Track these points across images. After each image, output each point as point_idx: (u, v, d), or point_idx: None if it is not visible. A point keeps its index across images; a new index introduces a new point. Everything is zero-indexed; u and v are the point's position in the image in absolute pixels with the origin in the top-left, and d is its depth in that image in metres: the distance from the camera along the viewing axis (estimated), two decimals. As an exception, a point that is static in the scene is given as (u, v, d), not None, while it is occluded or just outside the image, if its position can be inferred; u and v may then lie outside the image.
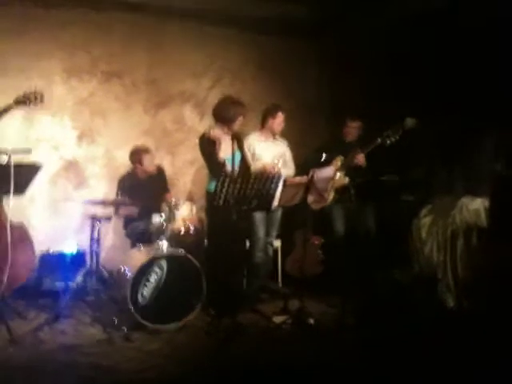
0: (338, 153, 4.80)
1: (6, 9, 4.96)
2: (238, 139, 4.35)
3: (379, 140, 4.50)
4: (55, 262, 4.74)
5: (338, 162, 4.76)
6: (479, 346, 3.27)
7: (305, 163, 4.88)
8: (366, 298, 4.36)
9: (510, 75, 4.10)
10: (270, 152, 4.78)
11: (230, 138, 4.29)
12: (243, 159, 4.53)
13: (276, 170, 4.48)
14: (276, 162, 4.59)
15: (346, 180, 4.67)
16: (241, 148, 4.53)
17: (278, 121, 4.79)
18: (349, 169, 4.69)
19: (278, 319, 4.18)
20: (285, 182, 4.18)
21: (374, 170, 4.66)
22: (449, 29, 4.63)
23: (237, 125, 4.46)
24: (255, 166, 4.65)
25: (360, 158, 4.64)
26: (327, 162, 4.69)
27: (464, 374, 3.04)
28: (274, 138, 4.88)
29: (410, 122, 4.45)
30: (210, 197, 4.28)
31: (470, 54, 4.44)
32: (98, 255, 4.15)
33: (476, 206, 4.04)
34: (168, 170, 5.29)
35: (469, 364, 3.14)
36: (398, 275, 4.42)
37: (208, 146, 4.44)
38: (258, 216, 4.62)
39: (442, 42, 4.68)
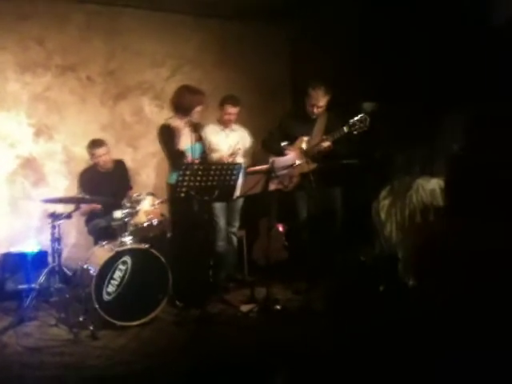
0: (301, 131, 4.67)
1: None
2: (196, 129, 4.33)
3: (345, 129, 4.36)
4: (16, 263, 4.66)
5: (303, 143, 4.62)
6: (439, 325, 3.36)
7: (265, 142, 4.86)
8: (331, 282, 4.42)
9: (467, 58, 4.17)
10: (226, 142, 4.77)
11: (189, 128, 4.26)
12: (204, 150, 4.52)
13: (232, 159, 4.47)
14: (234, 150, 4.57)
15: (311, 167, 4.53)
16: (201, 139, 4.51)
17: (226, 112, 4.73)
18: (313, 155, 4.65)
19: (245, 308, 4.21)
20: (245, 170, 4.18)
21: (335, 154, 4.66)
22: (411, 14, 4.65)
23: (196, 114, 4.43)
24: (212, 157, 4.64)
25: (326, 146, 4.49)
26: (290, 141, 4.63)
27: (426, 355, 3.11)
28: (231, 128, 4.86)
29: (367, 105, 4.48)
30: (171, 189, 4.26)
31: (429, 37, 4.49)
32: (59, 254, 4.09)
33: (432, 186, 4.13)
34: (129, 163, 5.22)
35: (432, 344, 3.22)
36: (363, 256, 4.50)
37: (167, 137, 4.42)
38: (218, 206, 4.62)
39: (402, 26, 4.71)
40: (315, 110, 4.63)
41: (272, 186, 4.27)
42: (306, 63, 5.82)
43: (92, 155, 4.78)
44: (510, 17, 3.96)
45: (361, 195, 4.67)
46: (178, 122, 4.38)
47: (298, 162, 4.29)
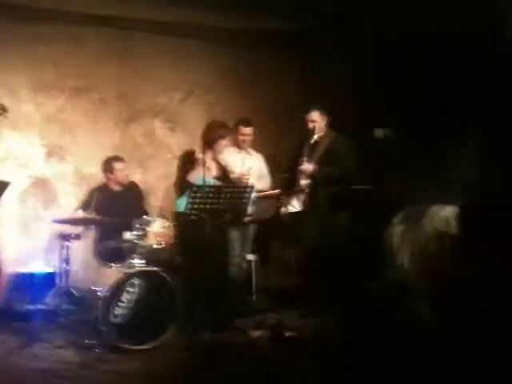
0: (306, 154, 4.76)
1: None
2: (220, 167, 4.47)
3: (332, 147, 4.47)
4: (25, 284, 4.62)
5: (304, 165, 4.70)
6: (453, 357, 3.29)
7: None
8: (343, 309, 4.35)
9: (479, 88, 4.18)
10: (241, 165, 4.81)
11: (210, 161, 4.39)
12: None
13: (246, 181, 4.48)
14: (246, 173, 4.60)
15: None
16: (221, 177, 4.55)
17: (241, 133, 4.89)
18: (321, 178, 4.67)
19: (255, 334, 4.15)
20: (257, 195, 4.18)
21: (348, 180, 4.67)
22: (423, 42, 4.70)
23: (219, 148, 4.48)
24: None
25: (307, 168, 4.62)
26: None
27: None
28: (247, 152, 4.90)
29: (379, 132, 4.49)
30: (177, 216, 4.26)
31: (443, 63, 4.52)
32: (68, 275, 4.07)
33: (446, 214, 4.09)
34: (140, 185, 5.22)
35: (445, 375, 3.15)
36: (375, 285, 4.44)
37: (182, 163, 4.50)
38: (234, 233, 4.63)
39: (415, 54, 4.76)
40: (311, 126, 4.75)
41: (284, 210, 4.26)
42: (318, 89, 5.86)
43: (111, 170, 4.79)
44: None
45: (373, 221, 4.63)
46: (200, 154, 4.40)
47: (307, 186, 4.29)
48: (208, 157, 4.46)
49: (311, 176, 4.60)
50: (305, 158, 4.69)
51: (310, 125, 4.80)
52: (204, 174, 4.18)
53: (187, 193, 4.00)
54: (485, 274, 3.48)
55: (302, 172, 4.69)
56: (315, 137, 4.80)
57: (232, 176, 4.68)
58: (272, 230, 4.62)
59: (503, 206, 3.52)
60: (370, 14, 5.00)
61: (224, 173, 4.61)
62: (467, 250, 3.65)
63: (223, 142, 4.50)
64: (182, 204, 4.15)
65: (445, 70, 4.59)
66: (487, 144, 4.05)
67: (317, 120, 4.79)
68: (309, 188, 4.65)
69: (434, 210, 4.14)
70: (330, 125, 4.90)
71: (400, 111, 4.69)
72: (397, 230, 4.27)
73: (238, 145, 4.92)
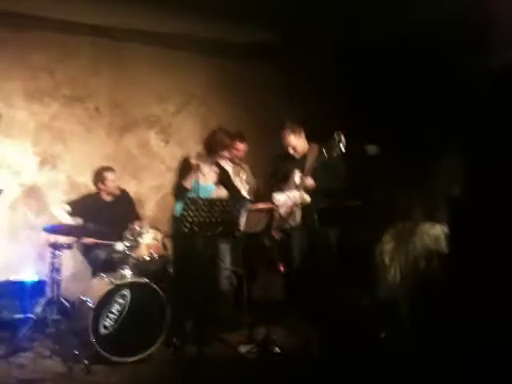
0: (294, 167, 4.67)
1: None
2: (222, 172, 4.47)
3: (324, 152, 4.36)
4: (14, 292, 4.59)
5: (297, 177, 4.61)
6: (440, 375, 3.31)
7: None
8: (331, 325, 4.36)
9: (464, 101, 4.24)
10: (235, 179, 4.79)
11: (212, 168, 4.38)
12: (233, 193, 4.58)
13: (240, 195, 4.50)
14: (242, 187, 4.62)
15: (308, 199, 4.53)
16: (223, 182, 4.55)
17: (235, 149, 4.90)
18: (312, 193, 4.67)
19: (243, 348, 4.13)
20: (248, 208, 4.20)
21: (337, 195, 4.67)
22: (408, 55, 4.77)
23: (221, 157, 4.50)
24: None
25: (307, 182, 4.52)
26: (286, 179, 4.66)
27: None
28: (241, 167, 4.93)
29: (370, 148, 4.53)
30: (176, 221, 4.26)
31: (425, 79, 4.58)
32: (58, 285, 4.05)
33: (436, 232, 4.12)
34: (132, 196, 5.21)
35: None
36: (364, 301, 4.45)
37: (179, 169, 4.48)
38: (224, 245, 4.62)
39: (400, 67, 4.82)
40: (291, 151, 4.67)
41: (275, 225, 4.28)
42: (306, 103, 5.90)
43: (103, 180, 4.77)
44: (505, 61, 4.05)
45: (362, 237, 4.66)
46: (197, 160, 4.40)
47: (306, 199, 4.30)
48: (208, 163, 4.46)
49: (306, 190, 4.57)
50: (297, 172, 4.64)
51: (290, 150, 4.68)
52: (198, 179, 4.18)
53: (182, 201, 4.01)
54: (474, 292, 3.50)
55: (290, 186, 4.65)
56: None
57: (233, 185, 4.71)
58: (263, 243, 4.62)
59: (491, 222, 3.55)
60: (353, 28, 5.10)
61: (227, 178, 4.61)
62: (456, 268, 3.68)
63: (226, 151, 4.51)
64: (178, 209, 4.16)
65: (431, 86, 4.65)
66: (476, 161, 4.09)
67: (295, 144, 4.68)
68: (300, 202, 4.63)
69: (424, 228, 4.18)
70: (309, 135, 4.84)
71: (387, 127, 4.74)
72: (387, 247, 4.31)
73: (233, 160, 4.92)
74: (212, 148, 4.45)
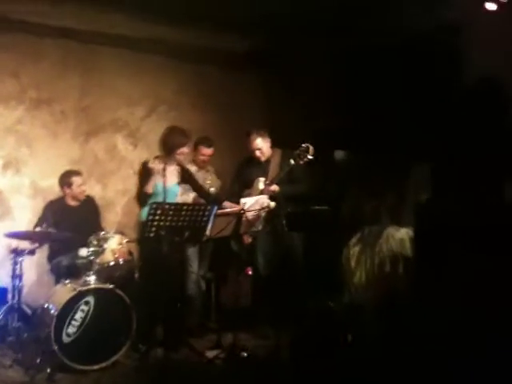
0: (258, 173, 4.67)
1: None
2: (183, 171, 4.38)
3: (291, 161, 4.39)
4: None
5: (260, 184, 4.60)
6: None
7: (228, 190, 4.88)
8: (299, 329, 4.36)
9: (436, 110, 4.30)
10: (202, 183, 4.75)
11: (174, 168, 4.27)
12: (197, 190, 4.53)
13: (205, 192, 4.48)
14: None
15: (272, 204, 4.43)
16: (186, 180, 4.49)
17: (201, 153, 4.91)
18: (280, 199, 4.65)
19: (210, 354, 4.10)
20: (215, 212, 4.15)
21: (304, 200, 4.68)
22: (385, 67, 4.81)
23: (179, 156, 4.39)
24: (185, 198, 4.61)
25: (271, 188, 4.49)
26: (249, 185, 4.65)
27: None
28: (206, 169, 4.89)
29: (339, 154, 4.56)
30: (142, 226, 4.20)
31: (400, 89, 4.63)
32: (20, 291, 3.95)
33: (401, 236, 4.17)
34: (98, 201, 5.12)
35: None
36: (331, 303, 4.46)
37: (140, 175, 4.41)
38: (191, 249, 4.58)
39: (373, 76, 4.86)
40: (258, 154, 4.66)
41: (242, 229, 4.25)
42: (280, 108, 5.91)
43: (69, 184, 4.68)
44: (479, 74, 4.12)
45: (330, 242, 4.67)
46: (156, 164, 4.32)
47: (271, 204, 4.28)
48: (168, 164, 4.40)
49: (271, 196, 4.57)
50: (261, 178, 4.61)
51: (257, 152, 4.67)
52: (162, 182, 4.10)
53: (147, 206, 3.95)
54: (438, 295, 3.53)
55: (254, 191, 4.63)
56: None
57: (191, 195, 4.65)
58: (231, 248, 4.59)
59: (456, 227, 3.59)
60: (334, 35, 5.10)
61: (189, 176, 4.54)
62: (421, 272, 3.71)
63: (183, 149, 4.42)
64: (144, 214, 4.11)
65: (404, 94, 4.70)
66: (440, 167, 4.15)
67: (262, 147, 4.67)
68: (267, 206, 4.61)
69: (389, 231, 4.22)
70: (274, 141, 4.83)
71: (357, 134, 4.77)
72: (353, 250, 4.34)
73: (198, 164, 4.90)
74: (168, 148, 4.36)
